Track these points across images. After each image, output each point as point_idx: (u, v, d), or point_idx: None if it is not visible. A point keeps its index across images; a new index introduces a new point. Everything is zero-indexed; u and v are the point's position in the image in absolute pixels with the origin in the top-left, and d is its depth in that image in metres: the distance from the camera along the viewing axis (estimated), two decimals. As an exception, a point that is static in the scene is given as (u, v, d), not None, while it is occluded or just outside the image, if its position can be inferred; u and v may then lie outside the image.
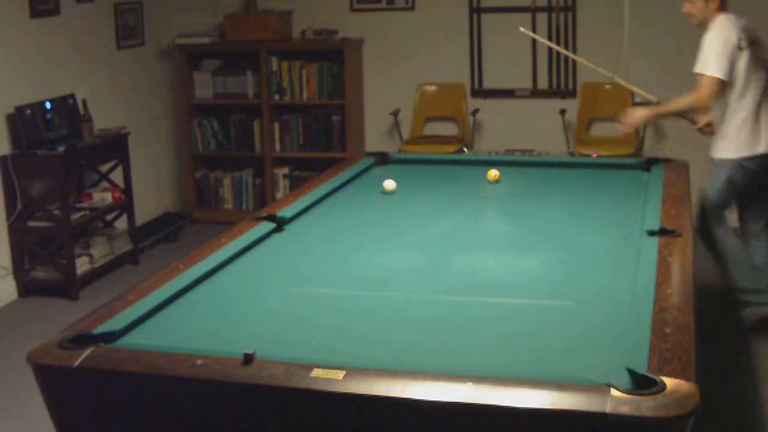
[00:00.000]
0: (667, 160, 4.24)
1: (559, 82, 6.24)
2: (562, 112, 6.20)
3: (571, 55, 5.57)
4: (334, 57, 6.40)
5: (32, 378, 2.18)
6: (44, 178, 5.20)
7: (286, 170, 6.67)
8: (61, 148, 5.14)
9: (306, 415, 2.03)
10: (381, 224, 3.49)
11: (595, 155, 5.43)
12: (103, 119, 5.74)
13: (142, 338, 2.32)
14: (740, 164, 4.21)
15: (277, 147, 6.61)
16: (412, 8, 6.45)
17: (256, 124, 6.60)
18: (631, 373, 1.96)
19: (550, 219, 3.49)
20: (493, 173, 4.04)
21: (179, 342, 2.27)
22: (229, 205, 6.76)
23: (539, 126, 6.32)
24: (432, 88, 6.50)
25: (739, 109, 4.17)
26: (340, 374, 1.99)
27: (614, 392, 1.87)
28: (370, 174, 4.28)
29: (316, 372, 2.01)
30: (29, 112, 5.12)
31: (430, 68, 6.46)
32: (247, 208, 6.64)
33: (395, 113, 6.40)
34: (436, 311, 2.55)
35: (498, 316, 2.51)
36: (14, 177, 5.05)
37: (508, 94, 6.40)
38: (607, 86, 6.19)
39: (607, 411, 1.82)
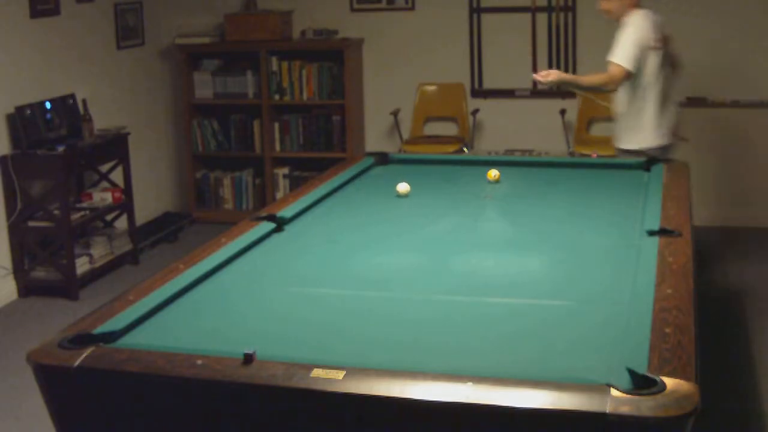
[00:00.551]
0: (667, 160, 4.24)
1: (559, 82, 6.24)
2: (562, 112, 6.21)
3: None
4: (334, 57, 6.40)
5: (32, 378, 2.18)
6: (44, 178, 5.20)
7: (286, 170, 6.67)
8: (61, 148, 5.14)
9: (306, 415, 2.03)
10: (381, 224, 3.49)
11: (595, 155, 5.43)
12: (103, 119, 5.74)
13: (142, 338, 2.32)
14: (644, 154, 4.45)
15: (277, 147, 6.61)
16: (412, 8, 6.45)
17: (256, 124, 6.60)
18: (631, 373, 1.96)
19: (550, 219, 3.49)
20: (493, 173, 4.03)
21: (179, 342, 2.27)
22: (229, 205, 6.76)
23: (539, 126, 6.32)
24: (432, 88, 6.50)
25: (647, 102, 4.46)
26: (340, 374, 1.99)
27: (614, 392, 1.87)
28: (370, 174, 4.28)
29: (316, 372, 2.01)
30: (29, 112, 5.12)
31: (430, 68, 6.46)
32: (247, 208, 6.64)
33: (395, 113, 6.40)
34: (436, 311, 2.55)
35: (498, 316, 2.51)
36: (14, 177, 5.05)
37: (508, 94, 6.40)
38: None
39: (607, 411, 1.82)
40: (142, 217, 6.14)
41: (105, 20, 6.06)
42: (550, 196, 3.87)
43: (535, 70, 4.77)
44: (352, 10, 6.55)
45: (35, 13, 5.34)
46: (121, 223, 5.84)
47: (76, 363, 2.12)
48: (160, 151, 6.77)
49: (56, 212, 5.15)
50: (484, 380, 1.95)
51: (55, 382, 2.16)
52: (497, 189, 4.00)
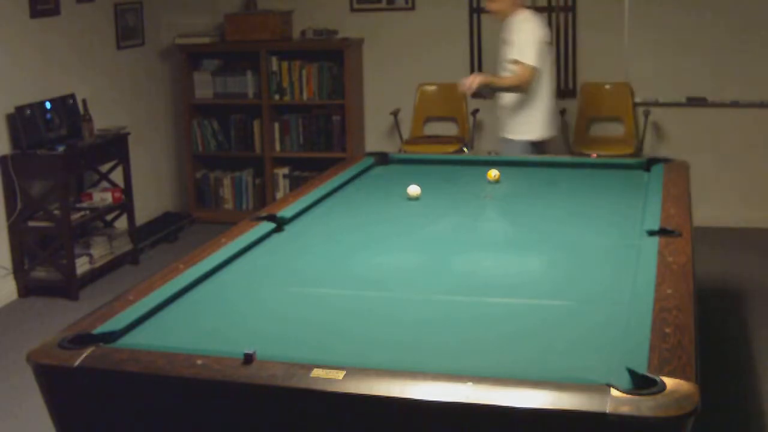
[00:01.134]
0: (667, 160, 4.24)
1: (559, 82, 6.23)
2: (562, 112, 6.20)
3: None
4: (334, 57, 6.40)
5: (32, 378, 2.18)
6: (44, 178, 5.20)
7: (286, 170, 6.67)
8: (61, 148, 5.14)
9: (306, 415, 2.03)
10: (381, 224, 3.49)
11: (595, 155, 5.43)
12: (103, 119, 5.74)
13: (142, 338, 2.32)
14: (532, 144, 4.90)
15: (277, 147, 6.61)
16: (412, 8, 6.45)
17: (256, 124, 6.60)
18: (631, 373, 1.96)
19: (550, 219, 3.49)
20: (493, 173, 4.03)
21: (179, 342, 2.27)
22: (229, 205, 6.76)
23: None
24: (432, 88, 6.50)
25: (540, 96, 4.84)
26: (340, 374, 1.99)
27: (614, 392, 1.87)
28: (370, 174, 4.28)
29: (316, 372, 2.01)
30: (29, 112, 5.12)
31: (430, 68, 6.46)
32: (247, 208, 6.64)
33: (395, 113, 6.40)
34: (436, 311, 2.55)
35: (498, 316, 2.51)
36: (14, 177, 5.05)
37: (508, 94, 6.39)
38: (607, 86, 6.19)
39: (607, 411, 1.82)
40: (142, 217, 6.14)
41: (105, 20, 6.06)
42: (550, 196, 3.87)
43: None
44: (352, 10, 6.54)
45: (35, 13, 5.34)
46: (121, 223, 5.84)
47: (76, 363, 2.12)
48: (160, 151, 6.77)
49: (56, 212, 5.15)
50: (484, 380, 1.95)
51: (55, 382, 2.16)
52: (497, 189, 4.00)
